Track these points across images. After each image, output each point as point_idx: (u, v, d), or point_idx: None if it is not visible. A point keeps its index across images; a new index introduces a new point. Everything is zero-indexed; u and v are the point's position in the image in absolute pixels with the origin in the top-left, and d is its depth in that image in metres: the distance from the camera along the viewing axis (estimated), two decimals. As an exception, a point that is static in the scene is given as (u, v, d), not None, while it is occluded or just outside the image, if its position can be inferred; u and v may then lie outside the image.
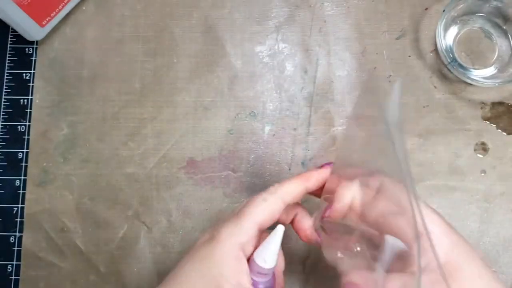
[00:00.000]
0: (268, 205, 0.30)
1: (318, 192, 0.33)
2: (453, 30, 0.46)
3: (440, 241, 0.26)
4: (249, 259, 0.30)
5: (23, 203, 0.43)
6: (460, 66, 0.43)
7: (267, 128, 0.45)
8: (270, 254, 0.29)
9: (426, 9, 0.47)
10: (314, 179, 0.32)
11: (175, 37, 0.46)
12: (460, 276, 0.26)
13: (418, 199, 0.24)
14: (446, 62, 0.43)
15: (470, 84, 0.44)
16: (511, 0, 0.43)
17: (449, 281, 0.24)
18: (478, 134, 0.44)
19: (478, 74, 0.45)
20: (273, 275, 0.31)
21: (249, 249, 0.29)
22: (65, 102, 0.45)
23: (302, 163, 0.44)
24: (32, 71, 0.46)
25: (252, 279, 0.29)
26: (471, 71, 0.45)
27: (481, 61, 0.45)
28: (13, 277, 0.42)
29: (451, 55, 0.44)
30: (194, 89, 0.45)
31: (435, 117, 0.44)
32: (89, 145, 0.44)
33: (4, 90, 0.46)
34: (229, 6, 0.47)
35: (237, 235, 0.28)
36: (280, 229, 0.29)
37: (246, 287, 0.27)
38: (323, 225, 0.32)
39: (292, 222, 0.33)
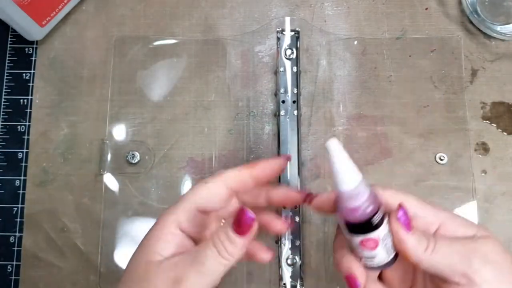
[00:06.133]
0: (209, 188, 0.31)
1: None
2: None
3: None
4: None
5: (23, 203, 0.43)
6: (483, 20, 0.44)
7: (267, 128, 0.45)
8: (343, 174, 0.26)
9: (426, 9, 0.47)
10: (259, 166, 0.32)
11: (175, 37, 0.46)
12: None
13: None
14: (471, 17, 0.44)
15: (470, 84, 0.44)
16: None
17: None
18: (478, 134, 0.44)
19: (500, 29, 0.45)
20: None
21: (187, 226, 0.30)
22: (65, 102, 0.45)
23: (302, 163, 0.44)
24: (32, 71, 0.46)
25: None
26: (494, 25, 0.45)
27: (503, 18, 0.46)
28: (13, 277, 0.42)
29: (476, 9, 0.44)
30: (194, 89, 0.45)
31: (435, 117, 0.44)
32: (89, 145, 0.44)
33: (4, 90, 0.46)
34: (229, 6, 0.47)
35: (172, 213, 0.30)
36: (333, 143, 0.26)
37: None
38: None
39: None
